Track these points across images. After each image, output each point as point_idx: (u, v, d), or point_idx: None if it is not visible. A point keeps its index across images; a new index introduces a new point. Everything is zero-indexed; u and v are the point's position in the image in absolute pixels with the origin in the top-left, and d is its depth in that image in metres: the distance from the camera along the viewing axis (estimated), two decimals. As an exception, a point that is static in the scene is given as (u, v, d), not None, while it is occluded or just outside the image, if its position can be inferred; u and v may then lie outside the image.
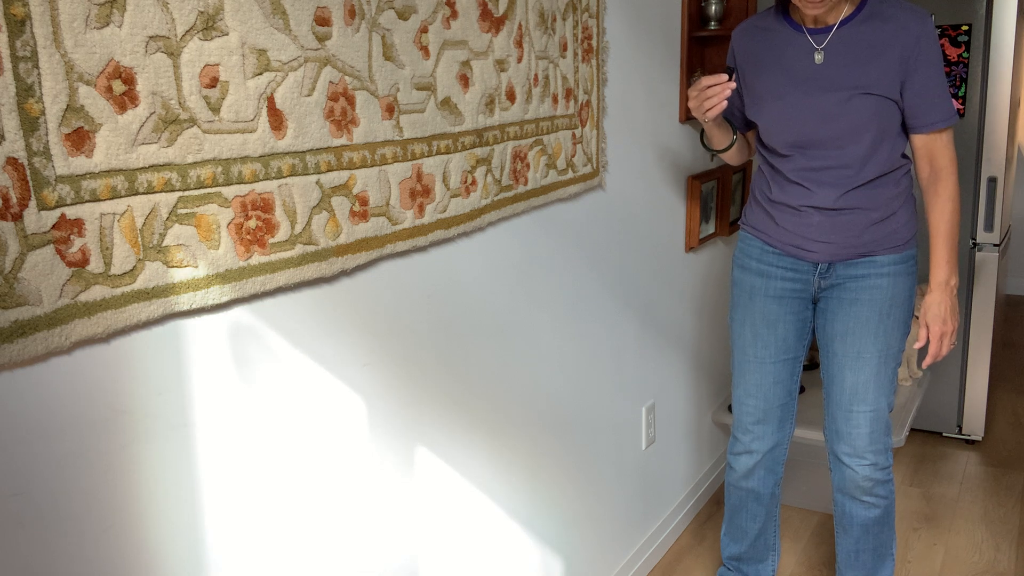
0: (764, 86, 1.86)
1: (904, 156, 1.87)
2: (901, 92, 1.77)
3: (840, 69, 1.78)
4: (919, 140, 1.83)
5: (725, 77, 1.76)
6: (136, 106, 0.98)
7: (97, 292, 0.96)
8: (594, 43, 1.96)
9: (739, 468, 2.13)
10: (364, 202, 1.31)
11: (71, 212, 0.92)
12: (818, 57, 1.80)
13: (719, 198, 2.71)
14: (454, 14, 1.47)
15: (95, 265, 0.95)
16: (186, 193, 1.04)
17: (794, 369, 2.04)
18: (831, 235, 1.86)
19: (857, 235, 1.85)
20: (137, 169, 0.99)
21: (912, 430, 3.33)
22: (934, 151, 1.82)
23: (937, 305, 1.83)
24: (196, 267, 1.06)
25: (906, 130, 1.84)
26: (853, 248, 1.86)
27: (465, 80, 1.52)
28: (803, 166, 1.85)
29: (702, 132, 2.04)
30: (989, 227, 3.09)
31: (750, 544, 2.21)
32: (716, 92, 1.76)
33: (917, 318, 2.03)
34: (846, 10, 1.79)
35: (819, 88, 1.79)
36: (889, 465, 1.97)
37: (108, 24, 0.94)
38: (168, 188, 1.02)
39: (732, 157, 2.05)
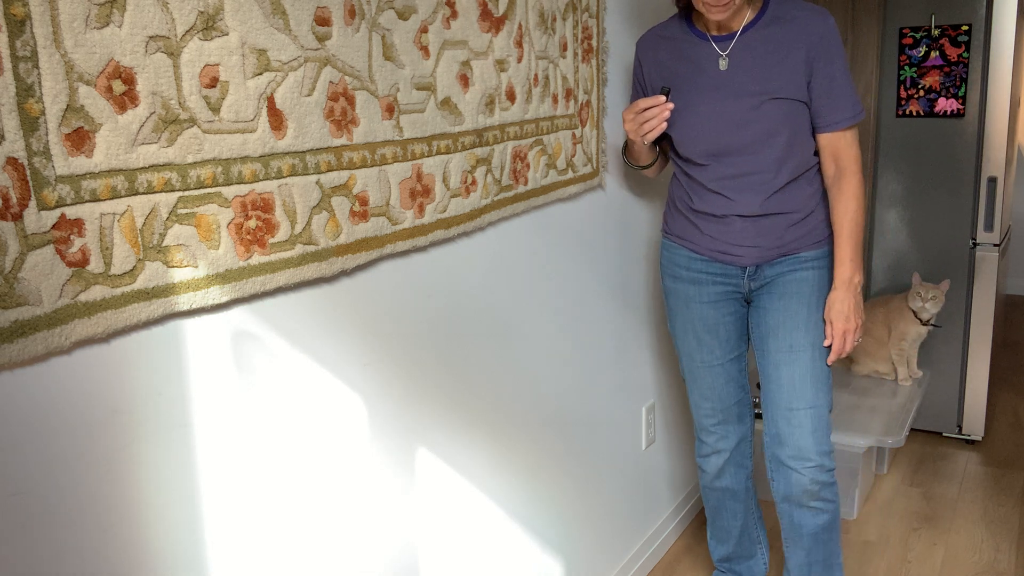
0: (674, 97, 1.83)
1: (816, 154, 1.88)
2: (809, 93, 1.78)
3: (747, 75, 1.78)
4: (824, 139, 1.84)
5: (662, 98, 1.74)
6: (136, 106, 0.98)
7: (97, 292, 0.96)
8: (594, 43, 1.96)
9: (710, 469, 2.13)
10: (364, 202, 1.31)
11: (71, 212, 0.92)
12: (723, 64, 1.80)
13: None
14: (454, 14, 1.47)
15: (95, 265, 0.95)
16: (186, 193, 1.04)
17: (741, 365, 2.06)
18: (756, 239, 1.87)
19: (779, 236, 1.87)
20: (137, 169, 0.99)
21: (912, 430, 3.33)
22: (838, 150, 1.83)
23: (841, 302, 1.84)
24: (196, 267, 1.06)
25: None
26: (777, 249, 1.88)
27: (465, 80, 1.52)
28: (721, 175, 1.84)
29: (624, 146, 2.02)
30: (989, 227, 3.09)
31: (736, 542, 2.21)
32: (654, 114, 1.75)
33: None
34: (748, 15, 1.79)
35: (729, 95, 1.79)
36: (833, 468, 1.95)
37: (108, 24, 0.94)
38: (168, 188, 1.02)
39: (652, 172, 2.04)
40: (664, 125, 1.76)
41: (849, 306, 1.84)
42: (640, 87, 1.96)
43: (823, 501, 1.95)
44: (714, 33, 1.82)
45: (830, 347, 1.89)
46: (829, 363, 1.90)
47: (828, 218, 1.91)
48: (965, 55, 3.00)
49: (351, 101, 1.27)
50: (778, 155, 1.80)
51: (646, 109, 1.76)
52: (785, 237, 1.87)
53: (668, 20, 1.93)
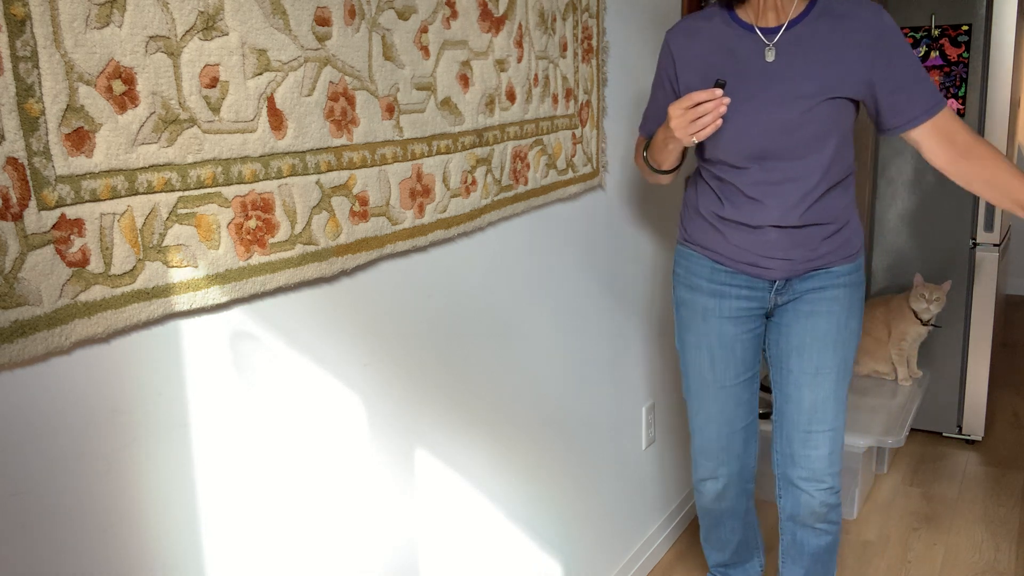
0: None
1: (853, 162, 1.77)
2: (874, 93, 1.66)
3: (798, 71, 1.64)
4: (926, 129, 1.67)
5: (719, 92, 1.52)
6: (136, 106, 0.97)
7: (97, 292, 0.96)
8: (594, 43, 1.96)
9: (708, 493, 2.00)
10: (364, 202, 1.31)
11: (71, 212, 0.92)
12: (769, 55, 1.64)
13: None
14: (454, 14, 1.47)
15: (95, 265, 0.95)
16: (186, 193, 1.04)
17: (753, 387, 1.92)
18: (790, 251, 1.73)
19: (814, 248, 1.74)
20: (137, 169, 0.99)
21: (912, 430, 3.33)
22: (950, 130, 1.67)
23: None
24: (196, 267, 1.06)
25: (881, 129, 1.72)
26: (810, 262, 1.75)
27: (465, 80, 1.52)
28: (761, 180, 1.69)
29: (646, 146, 1.80)
30: (989, 227, 3.09)
31: (733, 551, 2.14)
32: (709, 109, 1.53)
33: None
34: (796, 7, 1.65)
35: (779, 94, 1.64)
36: (840, 488, 1.88)
37: (108, 24, 0.94)
38: (168, 188, 1.02)
39: (670, 179, 1.84)
40: (719, 123, 1.54)
41: None
42: (669, 84, 1.79)
43: (829, 523, 1.89)
44: (761, 24, 1.67)
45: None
46: None
47: (860, 229, 1.81)
48: (965, 55, 3.00)
49: (351, 101, 1.27)
50: (825, 161, 1.67)
51: (701, 103, 1.53)
52: (819, 250, 1.74)
53: (706, 9, 1.77)
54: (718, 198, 1.77)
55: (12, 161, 0.86)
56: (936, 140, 1.68)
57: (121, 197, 0.97)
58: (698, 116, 1.54)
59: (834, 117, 1.66)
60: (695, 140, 1.58)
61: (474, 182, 1.57)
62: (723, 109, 1.53)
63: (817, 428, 1.81)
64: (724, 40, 1.70)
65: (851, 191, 1.78)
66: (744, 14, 1.70)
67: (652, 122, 1.86)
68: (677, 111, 1.57)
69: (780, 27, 1.66)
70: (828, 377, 1.79)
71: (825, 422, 1.81)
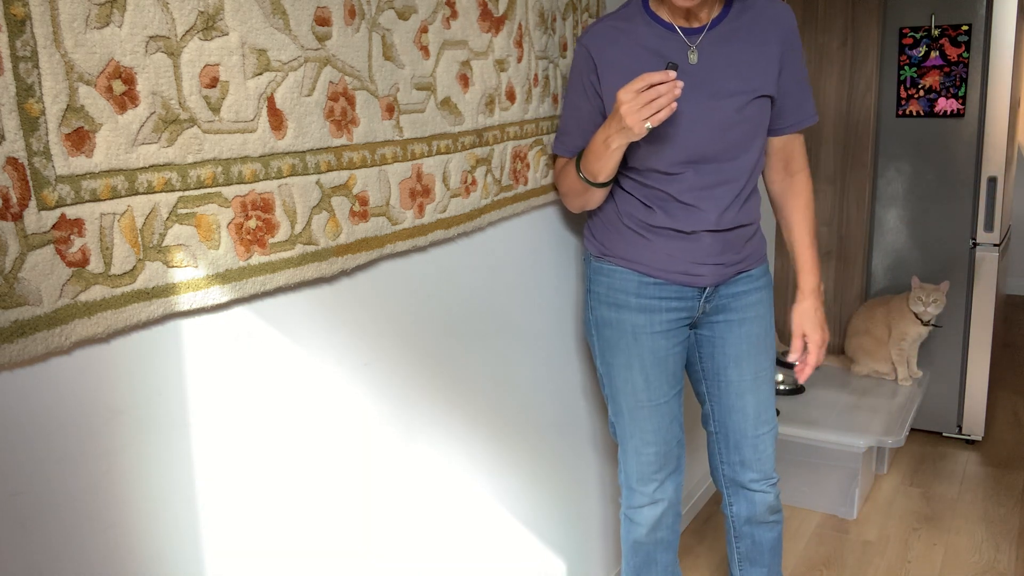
0: None
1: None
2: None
3: (724, 72, 1.59)
4: (779, 141, 1.73)
5: (672, 74, 1.41)
6: (136, 106, 0.97)
7: (97, 292, 0.96)
8: (594, 43, 1.96)
9: (645, 522, 1.86)
10: (364, 202, 1.31)
11: (71, 212, 0.92)
12: (692, 57, 1.59)
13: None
14: (454, 14, 1.47)
15: (95, 265, 0.95)
16: (186, 193, 1.04)
17: (681, 399, 1.84)
18: (721, 256, 1.69)
19: (739, 251, 1.72)
20: (137, 169, 0.99)
21: (912, 430, 3.33)
22: (792, 153, 1.74)
23: (815, 311, 1.75)
24: (196, 267, 1.06)
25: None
26: (736, 265, 1.72)
27: (465, 80, 1.52)
28: (695, 185, 1.63)
29: (579, 158, 1.66)
30: (989, 227, 3.09)
31: None
32: (664, 92, 1.42)
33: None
34: (716, 9, 1.62)
35: (709, 95, 1.59)
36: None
37: (108, 24, 0.94)
38: (168, 188, 1.02)
39: (602, 195, 1.71)
40: (674, 106, 1.43)
41: (822, 315, 1.76)
42: (593, 90, 1.67)
43: (778, 512, 1.89)
44: (682, 24, 1.60)
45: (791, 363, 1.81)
46: (803, 381, 1.78)
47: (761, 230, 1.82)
48: (965, 55, 3.00)
49: (351, 101, 1.27)
50: (753, 160, 1.66)
51: (654, 86, 1.42)
52: (744, 252, 1.72)
53: (622, 8, 1.67)
54: (645, 206, 1.69)
55: (12, 161, 0.86)
56: (777, 158, 1.76)
57: (121, 197, 0.97)
58: (652, 99, 1.43)
59: (761, 115, 1.65)
60: (649, 126, 1.45)
61: (474, 182, 1.57)
62: (678, 92, 1.42)
63: (763, 430, 1.82)
64: (647, 41, 1.62)
65: (759, 191, 1.78)
66: (662, 11, 1.63)
67: (575, 136, 1.73)
68: (628, 95, 1.45)
69: (703, 28, 1.61)
70: (765, 378, 1.80)
71: (769, 422, 1.83)
